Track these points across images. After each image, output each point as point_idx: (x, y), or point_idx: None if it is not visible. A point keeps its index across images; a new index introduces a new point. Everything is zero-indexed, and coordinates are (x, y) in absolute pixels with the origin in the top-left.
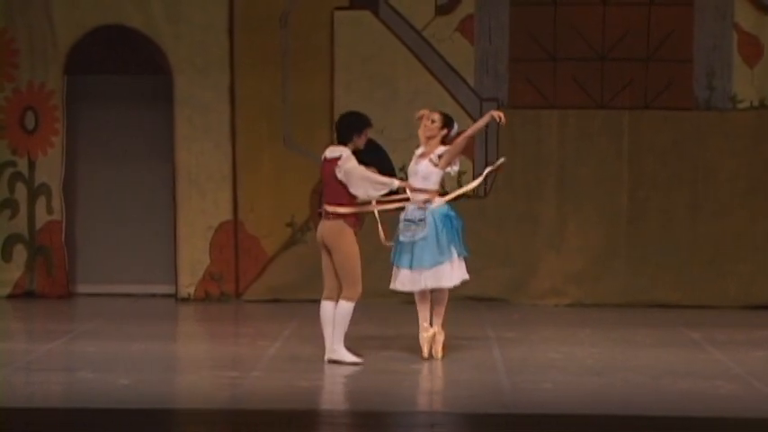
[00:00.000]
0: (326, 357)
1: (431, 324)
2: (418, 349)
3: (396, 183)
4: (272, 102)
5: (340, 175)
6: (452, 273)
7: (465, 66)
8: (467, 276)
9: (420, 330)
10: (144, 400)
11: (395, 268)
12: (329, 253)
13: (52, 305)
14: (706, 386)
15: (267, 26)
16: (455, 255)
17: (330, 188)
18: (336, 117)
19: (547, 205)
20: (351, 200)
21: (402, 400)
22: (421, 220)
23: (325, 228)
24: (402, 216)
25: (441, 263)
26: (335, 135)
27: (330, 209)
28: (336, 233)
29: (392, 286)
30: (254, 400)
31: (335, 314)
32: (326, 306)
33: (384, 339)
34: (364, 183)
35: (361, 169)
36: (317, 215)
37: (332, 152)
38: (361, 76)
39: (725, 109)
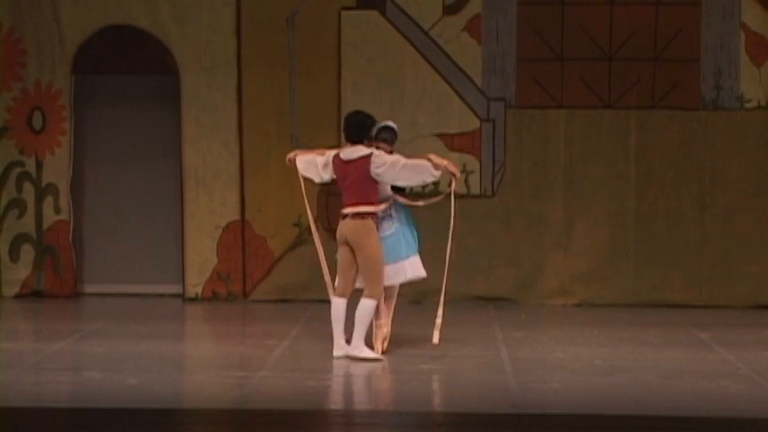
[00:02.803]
0: (336, 354)
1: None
2: (426, 349)
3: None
4: (279, 101)
5: (379, 171)
6: (420, 265)
7: (472, 65)
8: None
9: (381, 327)
10: (151, 399)
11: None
12: (351, 251)
13: (60, 305)
14: (714, 386)
15: (274, 26)
16: (417, 250)
17: (356, 187)
18: (343, 117)
19: (554, 205)
20: (378, 197)
21: (409, 400)
22: (389, 216)
23: (350, 227)
24: None
25: (415, 254)
26: (346, 135)
27: (360, 209)
28: (365, 232)
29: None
30: (261, 399)
31: (357, 312)
32: (339, 303)
33: (391, 339)
34: (409, 172)
35: (403, 160)
36: (343, 216)
37: (354, 152)
38: (368, 75)
39: (732, 109)
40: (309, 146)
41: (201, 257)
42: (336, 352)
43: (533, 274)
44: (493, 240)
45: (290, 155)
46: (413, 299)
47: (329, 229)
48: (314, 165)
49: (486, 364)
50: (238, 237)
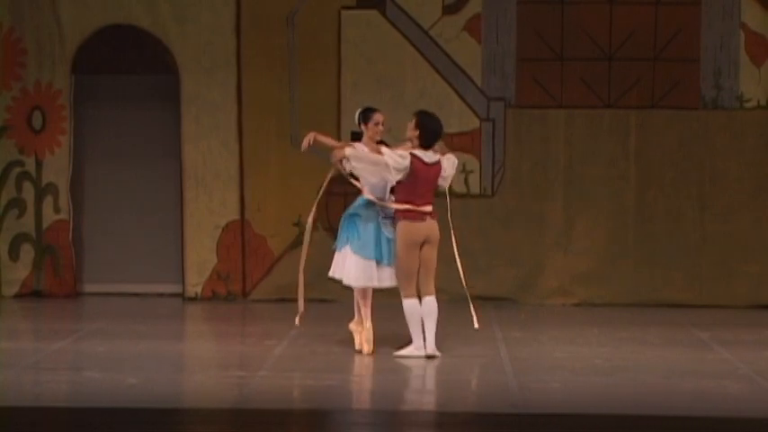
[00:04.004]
0: (428, 353)
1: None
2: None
3: None
4: (279, 101)
5: (445, 175)
6: None
7: (472, 65)
8: None
9: (368, 327)
10: (151, 399)
11: (373, 264)
12: (426, 250)
13: (59, 304)
14: (714, 386)
15: (274, 26)
16: None
17: (432, 190)
18: (422, 117)
19: (554, 205)
20: None
21: (409, 399)
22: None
23: (431, 226)
24: (382, 213)
25: None
26: (426, 138)
27: (431, 209)
28: (438, 231)
29: (378, 284)
30: (261, 399)
31: (433, 312)
32: (417, 303)
33: (390, 338)
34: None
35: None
36: (423, 217)
37: (433, 156)
38: (367, 75)
39: (732, 108)
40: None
41: (201, 257)
42: (428, 350)
43: (533, 273)
44: (492, 240)
45: (344, 149)
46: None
47: (329, 229)
48: (381, 166)
49: (486, 363)
50: (238, 236)
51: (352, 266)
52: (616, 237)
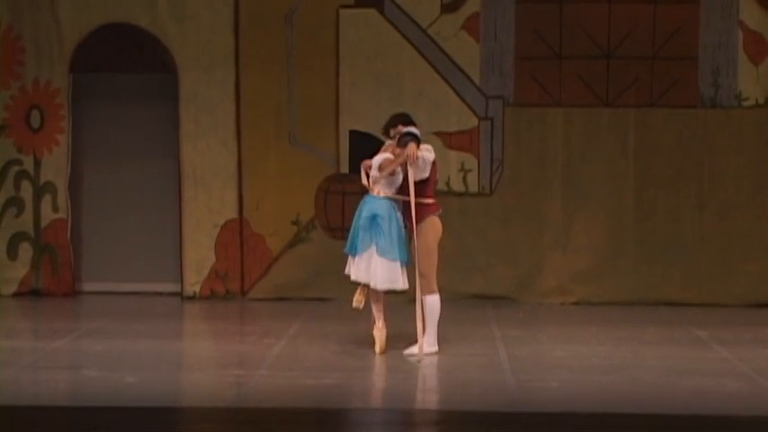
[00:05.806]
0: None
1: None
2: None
3: None
4: (277, 100)
5: None
6: None
7: (470, 64)
8: None
9: (379, 328)
10: (150, 398)
11: (398, 266)
12: None
13: (58, 303)
14: (712, 384)
15: (273, 24)
16: None
17: None
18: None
19: (553, 203)
20: None
21: (408, 398)
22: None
23: None
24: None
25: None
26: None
27: None
28: None
29: (402, 286)
30: (259, 398)
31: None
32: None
33: (390, 337)
34: None
35: None
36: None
37: None
38: (366, 74)
39: (730, 107)
40: (308, 144)
41: (200, 256)
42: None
43: (532, 272)
44: (491, 239)
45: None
46: (412, 297)
47: (327, 228)
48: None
49: (485, 362)
50: (236, 235)
51: (378, 269)
52: (615, 235)
